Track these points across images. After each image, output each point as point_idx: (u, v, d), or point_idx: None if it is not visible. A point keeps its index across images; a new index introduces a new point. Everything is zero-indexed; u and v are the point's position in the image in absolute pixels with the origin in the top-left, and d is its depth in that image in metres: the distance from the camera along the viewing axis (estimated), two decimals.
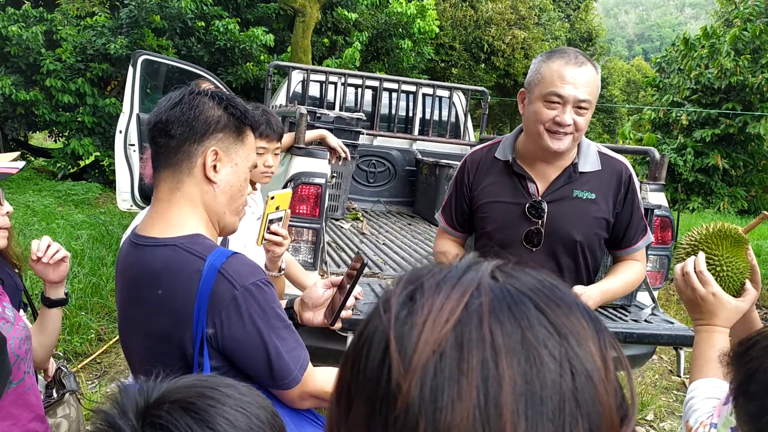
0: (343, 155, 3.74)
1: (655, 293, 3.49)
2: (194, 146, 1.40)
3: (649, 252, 3.39)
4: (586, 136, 2.23)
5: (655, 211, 3.31)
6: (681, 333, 3.00)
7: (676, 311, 6.61)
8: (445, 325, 0.49)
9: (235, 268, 1.35)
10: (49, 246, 1.92)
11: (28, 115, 11.89)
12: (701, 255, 1.44)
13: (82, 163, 12.46)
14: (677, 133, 16.20)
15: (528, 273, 0.55)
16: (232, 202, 1.48)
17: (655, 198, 3.44)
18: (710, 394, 1.36)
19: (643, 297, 3.42)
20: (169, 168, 1.42)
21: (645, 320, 3.14)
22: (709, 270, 1.43)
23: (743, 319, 1.46)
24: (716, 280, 1.42)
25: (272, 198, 1.92)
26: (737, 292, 1.43)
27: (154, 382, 0.88)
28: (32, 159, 14.64)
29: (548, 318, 0.50)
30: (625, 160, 2.23)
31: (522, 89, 2.15)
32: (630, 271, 2.26)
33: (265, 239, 1.98)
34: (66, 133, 12.08)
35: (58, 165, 11.89)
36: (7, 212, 1.73)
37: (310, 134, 3.62)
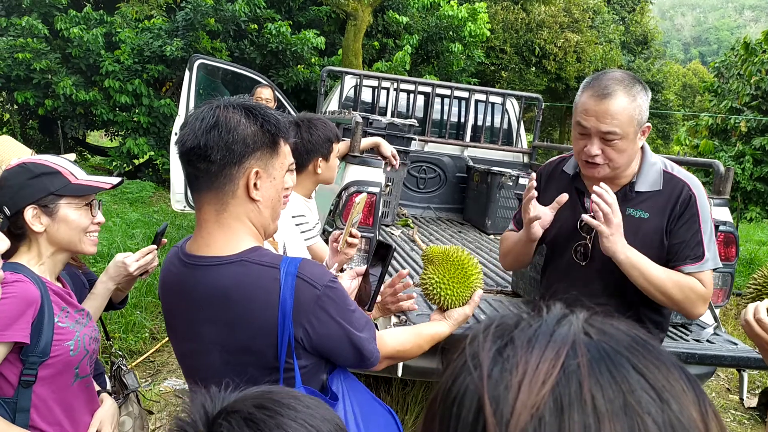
0: (395, 164, 3.73)
1: (717, 311, 3.37)
2: (235, 168, 1.42)
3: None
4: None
5: (720, 227, 3.20)
6: (745, 355, 2.89)
7: (734, 326, 6.40)
8: (542, 387, 0.47)
9: (311, 270, 1.42)
10: (147, 272, 2.16)
11: (87, 114, 12.27)
12: (763, 302, 1.43)
13: (137, 162, 12.78)
14: (735, 140, 15.68)
15: (618, 328, 0.53)
16: (274, 212, 1.53)
17: (719, 213, 3.33)
18: None
19: (705, 316, 3.31)
20: (211, 191, 1.44)
21: (707, 340, 3.04)
22: None
23: None
24: None
25: (357, 203, 2.01)
26: None
27: (223, 392, 0.92)
28: (89, 157, 15.08)
29: (648, 380, 0.48)
30: (692, 180, 2.11)
31: None
32: (683, 277, 2.05)
33: (347, 242, 2.08)
34: (122, 133, 12.42)
35: (114, 163, 12.22)
36: (99, 222, 1.86)
37: (365, 141, 3.62)
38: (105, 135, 15.43)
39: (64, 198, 1.73)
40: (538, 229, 2.12)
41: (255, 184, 1.44)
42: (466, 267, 1.79)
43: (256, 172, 1.43)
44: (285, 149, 1.52)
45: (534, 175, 2.06)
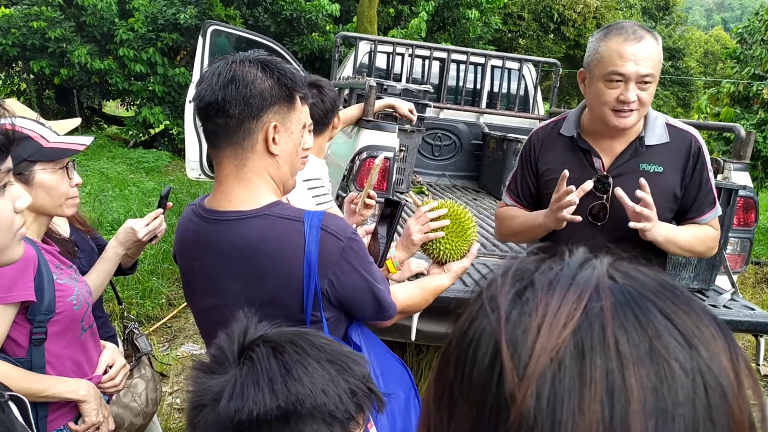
0: (414, 119, 3.67)
1: (735, 277, 3.33)
2: (253, 122, 1.42)
3: (730, 234, 3.24)
4: (660, 111, 2.15)
5: (739, 191, 3.15)
6: (762, 320, 2.86)
7: (752, 295, 6.34)
8: (563, 330, 0.45)
9: (334, 222, 1.44)
10: (156, 238, 2.16)
11: (102, 83, 12.28)
12: None
13: (152, 131, 12.81)
14: (758, 108, 15.39)
15: (645, 272, 0.50)
16: (293, 167, 1.54)
17: (740, 178, 3.27)
18: None
19: (722, 281, 3.27)
20: (230, 146, 1.45)
21: (724, 306, 3.01)
22: None
23: None
24: None
25: (376, 165, 2.00)
26: None
27: (267, 324, 0.99)
28: (106, 126, 15.14)
29: (676, 325, 0.46)
30: (695, 131, 2.16)
31: (582, 69, 2.13)
32: (701, 230, 2.17)
33: (365, 203, 2.08)
34: (137, 102, 12.43)
35: (130, 133, 12.26)
36: (77, 184, 1.82)
37: (379, 103, 3.57)
38: (121, 105, 15.45)
39: (38, 163, 1.68)
40: (563, 224, 2.05)
41: (273, 138, 1.44)
42: (463, 221, 1.79)
43: (275, 126, 1.44)
44: (299, 103, 1.52)
45: (566, 172, 1.98)
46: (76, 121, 2.17)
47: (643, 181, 1.95)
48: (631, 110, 1.99)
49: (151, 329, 4.55)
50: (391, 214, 1.75)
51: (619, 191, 1.98)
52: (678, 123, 2.19)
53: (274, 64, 1.46)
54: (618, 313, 0.46)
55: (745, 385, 0.47)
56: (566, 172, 1.99)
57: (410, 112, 3.55)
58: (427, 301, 1.75)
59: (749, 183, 3.30)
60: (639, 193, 1.95)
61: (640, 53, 1.93)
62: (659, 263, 2.25)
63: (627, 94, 1.96)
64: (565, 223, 2.04)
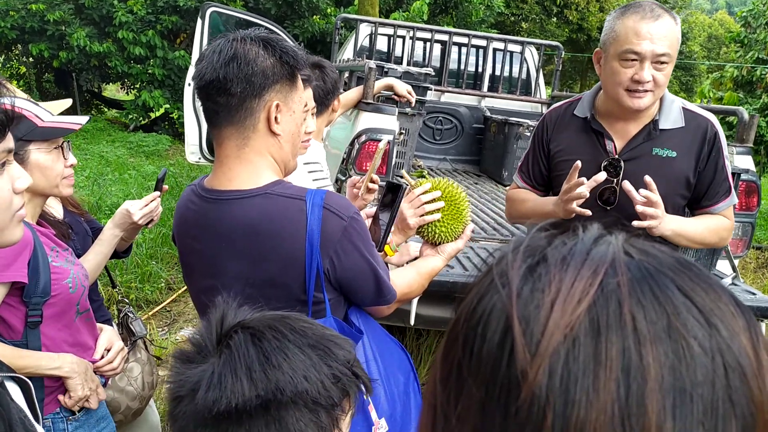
0: (412, 100, 3.63)
1: (736, 262, 3.31)
2: (255, 101, 1.40)
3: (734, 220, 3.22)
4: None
5: (741, 175, 3.12)
6: (763, 305, 2.85)
7: (753, 280, 6.33)
8: (578, 306, 0.43)
9: (337, 201, 1.42)
10: (152, 221, 2.11)
11: (101, 66, 12.22)
12: None
13: (152, 115, 12.76)
14: (761, 92, 15.31)
15: (661, 249, 0.48)
16: (294, 147, 1.52)
17: (742, 161, 3.24)
18: None
19: (723, 266, 3.25)
20: (232, 125, 1.42)
21: None
22: None
23: None
24: None
25: (380, 149, 2.01)
26: None
27: (248, 310, 0.96)
28: (106, 110, 15.09)
29: (695, 303, 0.44)
30: (712, 117, 2.12)
31: (597, 49, 2.09)
32: (713, 220, 2.12)
33: (368, 187, 2.06)
34: (137, 85, 12.38)
35: (130, 116, 12.22)
36: (72, 164, 1.80)
37: (378, 84, 3.53)
38: (121, 88, 15.39)
39: (33, 143, 1.67)
40: (572, 214, 1.99)
41: (276, 118, 1.42)
42: (457, 202, 1.76)
43: (277, 105, 1.42)
44: (301, 83, 1.50)
45: (578, 163, 1.93)
46: (68, 102, 2.15)
47: (648, 179, 1.90)
48: (646, 91, 1.95)
49: (150, 313, 4.55)
50: (392, 198, 1.72)
51: (627, 185, 1.93)
52: (695, 107, 2.14)
53: (276, 41, 1.43)
54: (635, 290, 0.44)
55: (765, 365, 0.45)
56: (578, 163, 1.94)
57: (408, 93, 3.52)
58: (424, 286, 1.73)
59: (752, 167, 3.27)
60: (643, 192, 1.89)
61: (657, 32, 1.89)
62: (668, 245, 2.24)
63: (642, 73, 1.92)
64: (574, 213, 2.00)
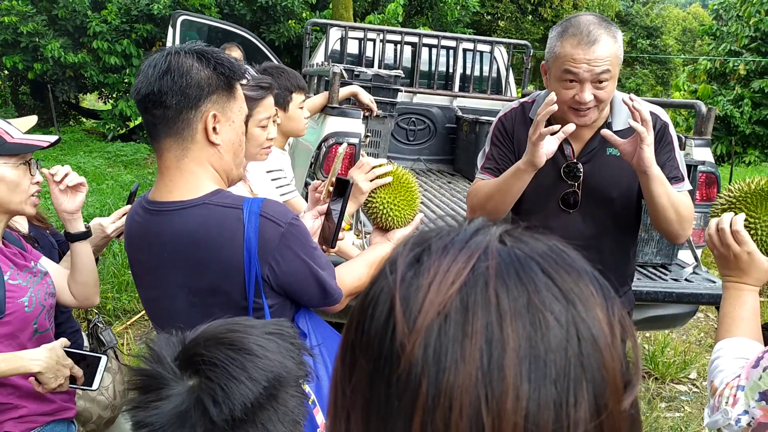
0: (375, 111, 3.69)
1: (698, 251, 3.40)
2: (191, 113, 1.43)
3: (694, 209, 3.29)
4: (639, 89, 2.15)
5: (699, 167, 3.20)
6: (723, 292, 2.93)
7: (715, 268, 6.44)
8: (450, 287, 0.49)
9: (274, 208, 1.45)
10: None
11: (77, 77, 12.16)
12: (741, 215, 1.41)
13: (130, 125, 12.71)
14: (734, 83, 15.55)
15: (538, 239, 0.54)
16: (236, 156, 1.54)
17: (700, 153, 3.32)
18: (738, 354, 1.32)
19: (685, 255, 3.34)
20: (170, 137, 1.45)
21: (686, 279, 3.07)
22: (745, 228, 1.40)
23: None
24: (753, 238, 1.40)
25: (340, 153, 2.05)
26: None
27: (184, 332, 0.95)
28: (83, 120, 15.00)
29: (555, 283, 0.50)
30: (660, 111, 2.16)
31: (543, 63, 2.10)
32: (680, 194, 2.09)
33: (329, 192, 2.08)
34: (114, 95, 12.32)
35: (108, 126, 12.16)
36: (38, 182, 1.82)
37: (343, 91, 3.59)
38: (99, 98, 15.31)
39: (1, 158, 1.69)
40: (542, 155, 1.95)
41: (214, 128, 1.45)
42: (412, 189, 1.80)
43: (214, 116, 1.45)
44: (241, 93, 1.53)
45: (553, 96, 1.90)
46: (33, 119, 2.17)
47: (632, 96, 1.93)
48: (589, 108, 1.98)
49: (128, 323, 4.56)
50: (341, 191, 1.75)
51: (607, 132, 1.97)
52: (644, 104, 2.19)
53: (211, 53, 1.46)
54: (501, 272, 0.50)
55: (619, 337, 0.51)
56: (553, 96, 1.92)
57: (371, 102, 3.59)
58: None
59: (710, 158, 3.36)
60: (632, 96, 1.93)
61: (594, 56, 1.91)
62: (630, 243, 2.28)
63: (582, 95, 1.94)
64: (544, 157, 1.95)
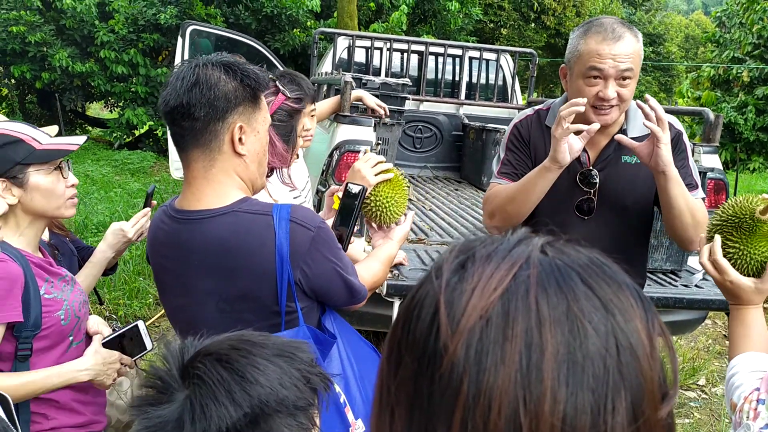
0: (381, 113, 3.72)
1: None
2: (219, 124, 1.46)
3: None
4: (642, 96, 2.18)
5: (708, 174, 3.23)
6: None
7: None
8: (493, 293, 0.52)
9: (302, 213, 1.49)
10: (142, 234, 2.16)
11: (84, 86, 12.24)
12: (717, 242, 1.40)
13: (137, 133, 12.78)
14: (738, 90, 15.57)
15: (579, 250, 0.57)
16: (261, 166, 1.58)
17: (708, 160, 3.35)
18: (752, 367, 1.32)
19: (694, 262, 3.36)
20: (198, 148, 1.48)
21: (696, 285, 3.09)
22: (725, 256, 1.39)
23: None
24: (733, 265, 1.38)
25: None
26: (758, 273, 1.38)
27: (197, 340, 0.96)
28: (90, 129, 15.09)
29: (595, 293, 0.53)
30: (673, 119, 2.17)
31: (563, 65, 2.13)
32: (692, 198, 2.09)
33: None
34: (121, 104, 12.40)
35: (114, 135, 12.22)
36: (73, 184, 1.82)
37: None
38: (105, 107, 15.39)
39: (32, 166, 1.68)
40: (566, 153, 1.93)
41: (240, 139, 1.48)
42: (404, 186, 1.90)
43: (240, 127, 1.47)
44: (265, 103, 1.57)
45: (581, 99, 1.92)
46: (55, 129, 2.20)
47: (647, 96, 1.97)
48: (612, 106, 2.00)
49: None
50: (350, 202, 1.78)
51: (621, 136, 1.99)
52: None
53: (237, 65, 1.49)
54: (542, 280, 0.53)
55: (657, 348, 0.54)
56: (582, 99, 1.92)
57: (377, 105, 3.62)
58: (387, 273, 1.84)
59: (718, 165, 3.38)
60: (647, 96, 1.96)
61: (619, 51, 1.94)
62: (642, 251, 2.29)
63: (606, 91, 1.96)
64: (568, 156, 1.93)
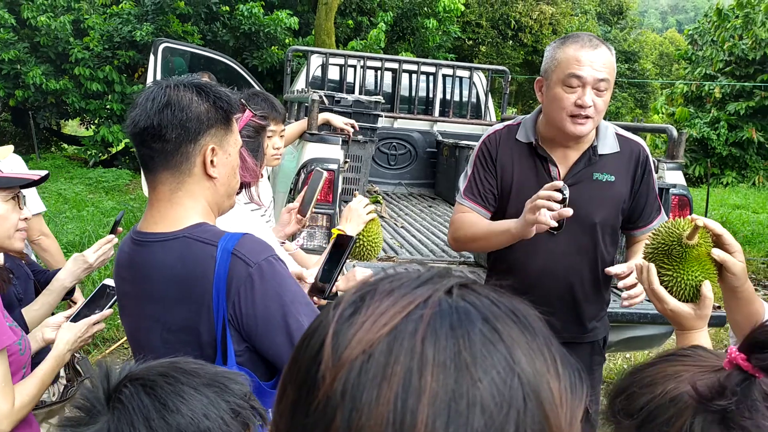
0: (351, 131, 3.73)
1: None
2: (191, 146, 1.42)
3: None
4: (619, 112, 2.21)
5: (671, 190, 3.27)
6: None
7: None
8: (382, 328, 0.50)
9: (248, 247, 1.39)
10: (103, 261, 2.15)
11: (59, 104, 12.15)
12: (653, 271, 1.38)
13: (112, 150, 12.68)
14: (710, 106, 15.84)
15: (488, 295, 0.54)
16: (230, 189, 1.54)
17: (672, 177, 3.39)
18: None
19: None
20: (167, 170, 1.44)
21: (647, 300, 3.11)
22: (662, 284, 1.37)
23: (738, 299, 1.42)
24: (670, 292, 1.36)
25: (312, 180, 2.28)
26: (694, 297, 1.36)
27: (133, 363, 0.94)
28: (65, 147, 14.96)
29: (501, 338, 0.50)
30: (642, 141, 2.23)
31: (539, 78, 2.15)
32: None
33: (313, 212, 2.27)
34: (96, 121, 12.31)
35: (89, 152, 12.13)
36: (27, 218, 1.81)
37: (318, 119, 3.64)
38: (81, 124, 15.27)
39: None
40: (534, 231, 1.94)
41: (212, 161, 1.44)
42: (379, 223, 2.10)
43: (213, 149, 1.44)
44: (236, 125, 1.53)
45: (558, 183, 1.89)
46: (10, 148, 2.18)
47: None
48: (587, 117, 2.02)
49: (107, 351, 4.52)
50: (344, 246, 1.76)
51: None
52: (626, 133, 2.25)
53: (210, 87, 1.46)
54: (435, 321, 0.50)
55: (566, 401, 0.51)
56: (560, 183, 1.90)
57: (348, 125, 3.63)
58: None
59: (682, 181, 3.42)
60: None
61: (596, 59, 1.99)
62: (607, 276, 2.25)
63: (584, 98, 1.99)
64: (534, 232, 1.94)
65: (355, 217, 1.99)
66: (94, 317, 1.87)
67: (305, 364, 0.53)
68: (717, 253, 1.35)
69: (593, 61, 1.99)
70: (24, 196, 1.82)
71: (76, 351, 1.81)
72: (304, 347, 0.54)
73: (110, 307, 1.91)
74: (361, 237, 1.94)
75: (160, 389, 0.88)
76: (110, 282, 1.89)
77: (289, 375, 0.55)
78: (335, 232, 2.00)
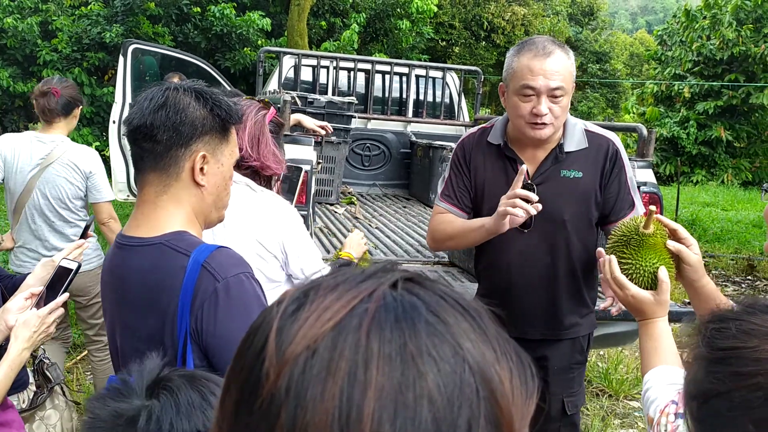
0: (323, 133, 3.72)
1: None
2: (181, 150, 1.39)
3: None
4: (591, 112, 2.23)
5: (641, 188, 3.30)
6: (672, 309, 3.00)
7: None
8: (326, 323, 0.49)
9: (219, 261, 1.35)
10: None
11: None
12: (614, 261, 1.46)
13: None
14: (680, 106, 16.11)
15: (437, 288, 0.53)
16: (218, 200, 1.49)
17: (642, 175, 3.43)
18: (665, 380, 1.34)
19: None
20: (155, 172, 1.41)
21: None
22: (623, 272, 1.45)
23: (700, 295, 1.46)
24: (630, 279, 1.44)
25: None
26: (653, 284, 1.43)
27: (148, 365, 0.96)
28: None
29: (448, 329, 0.49)
30: (613, 136, 2.24)
31: (501, 83, 2.19)
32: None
33: None
34: None
35: None
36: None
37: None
38: None
39: None
40: (507, 225, 2.00)
41: (201, 169, 1.40)
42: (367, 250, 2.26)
43: (203, 156, 1.40)
44: (234, 137, 1.49)
45: (524, 167, 2.00)
46: None
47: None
48: (545, 123, 2.05)
49: (78, 358, 4.45)
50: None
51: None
52: (596, 128, 2.26)
53: (210, 94, 1.43)
54: (380, 315, 0.49)
55: (515, 391, 0.50)
56: (524, 167, 2.01)
57: (318, 126, 3.61)
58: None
59: (652, 179, 3.47)
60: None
61: (550, 68, 2.01)
62: (589, 267, 2.30)
63: (539, 107, 2.03)
64: (507, 226, 1.99)
65: (356, 246, 2.38)
66: (45, 309, 1.79)
67: (249, 362, 0.51)
68: (672, 244, 1.45)
69: (546, 70, 2.01)
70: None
71: (39, 345, 1.74)
72: (247, 345, 0.53)
73: (64, 291, 1.82)
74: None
75: (204, 387, 0.91)
76: (67, 264, 1.82)
77: (233, 373, 0.53)
78: (343, 254, 2.34)
